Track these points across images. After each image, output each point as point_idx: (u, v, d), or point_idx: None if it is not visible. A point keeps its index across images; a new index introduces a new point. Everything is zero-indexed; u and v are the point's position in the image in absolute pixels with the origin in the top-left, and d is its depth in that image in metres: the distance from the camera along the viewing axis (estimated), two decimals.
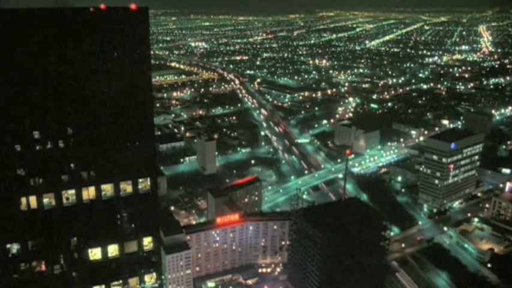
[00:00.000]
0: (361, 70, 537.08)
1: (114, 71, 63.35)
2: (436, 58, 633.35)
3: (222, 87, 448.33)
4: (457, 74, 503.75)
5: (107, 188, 66.36)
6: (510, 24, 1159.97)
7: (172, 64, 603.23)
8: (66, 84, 60.95)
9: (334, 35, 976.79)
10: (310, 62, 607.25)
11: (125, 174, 66.96)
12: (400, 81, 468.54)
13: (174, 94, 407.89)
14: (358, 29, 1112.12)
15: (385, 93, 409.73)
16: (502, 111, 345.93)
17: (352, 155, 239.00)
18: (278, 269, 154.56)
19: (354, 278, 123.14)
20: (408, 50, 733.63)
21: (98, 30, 60.31)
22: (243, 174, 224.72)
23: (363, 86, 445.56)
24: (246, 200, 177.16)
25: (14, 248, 64.06)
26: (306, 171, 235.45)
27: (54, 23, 58.42)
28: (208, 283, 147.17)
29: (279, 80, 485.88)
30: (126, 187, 67.53)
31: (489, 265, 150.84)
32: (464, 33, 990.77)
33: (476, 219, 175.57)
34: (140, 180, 68.17)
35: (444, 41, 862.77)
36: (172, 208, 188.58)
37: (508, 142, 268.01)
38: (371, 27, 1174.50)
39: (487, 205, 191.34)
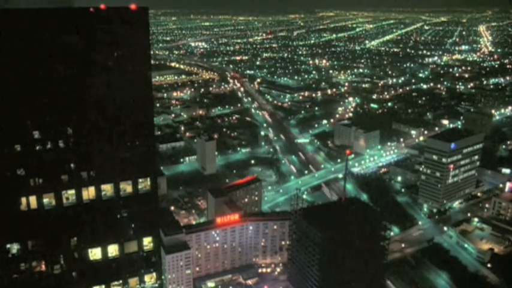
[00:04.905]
0: (361, 70, 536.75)
1: (114, 71, 63.29)
2: (436, 58, 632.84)
3: (222, 87, 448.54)
4: (457, 74, 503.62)
5: (107, 188, 66.26)
6: (510, 24, 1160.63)
7: (172, 64, 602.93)
8: (66, 84, 60.90)
9: (334, 35, 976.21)
10: (310, 62, 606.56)
11: (125, 174, 66.83)
12: (400, 81, 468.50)
13: (174, 94, 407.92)
14: (358, 29, 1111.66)
15: (385, 93, 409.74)
16: (502, 111, 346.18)
17: (352, 155, 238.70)
18: (278, 269, 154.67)
19: (354, 278, 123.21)
20: (408, 50, 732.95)
21: (97, 30, 60.28)
22: (243, 174, 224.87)
23: (363, 86, 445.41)
24: (246, 200, 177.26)
25: (14, 248, 63.93)
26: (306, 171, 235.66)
27: (54, 23, 58.38)
28: (208, 283, 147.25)
29: (279, 80, 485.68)
30: (126, 187, 67.44)
31: (489, 265, 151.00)
32: (464, 33, 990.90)
33: (476, 219, 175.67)
34: (140, 180, 68.03)
35: (444, 41, 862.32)
36: (172, 208, 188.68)
37: (508, 142, 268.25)
38: (371, 27, 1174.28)
39: (487, 205, 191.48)
